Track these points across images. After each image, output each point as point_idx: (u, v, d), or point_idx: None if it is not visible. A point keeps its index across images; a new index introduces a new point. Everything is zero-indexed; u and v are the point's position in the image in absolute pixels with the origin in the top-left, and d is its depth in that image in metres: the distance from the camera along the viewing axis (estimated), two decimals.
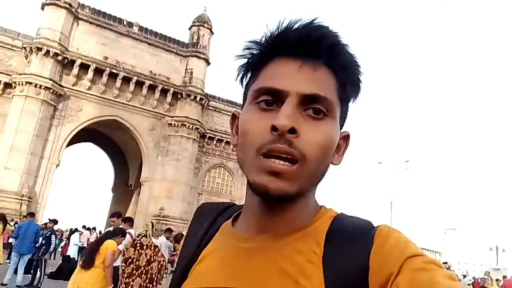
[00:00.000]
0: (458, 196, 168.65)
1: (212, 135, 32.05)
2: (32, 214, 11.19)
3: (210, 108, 32.24)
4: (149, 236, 4.89)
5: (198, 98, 29.34)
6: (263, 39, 0.64)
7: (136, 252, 4.59)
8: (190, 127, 29.01)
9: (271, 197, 0.56)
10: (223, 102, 33.39)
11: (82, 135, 27.89)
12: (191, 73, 29.77)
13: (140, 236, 4.84)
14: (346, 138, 0.68)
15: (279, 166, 0.55)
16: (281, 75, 0.60)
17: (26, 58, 25.57)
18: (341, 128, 0.65)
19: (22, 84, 24.38)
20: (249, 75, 0.67)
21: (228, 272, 0.61)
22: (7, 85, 25.13)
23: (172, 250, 11.51)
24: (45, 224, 11.85)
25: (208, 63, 31.08)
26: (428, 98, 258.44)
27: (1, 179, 22.98)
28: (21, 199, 23.32)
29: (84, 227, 21.38)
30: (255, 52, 0.65)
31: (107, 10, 27.86)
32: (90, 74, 25.98)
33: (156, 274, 4.48)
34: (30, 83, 24.16)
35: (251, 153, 0.58)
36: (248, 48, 0.66)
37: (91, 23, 26.99)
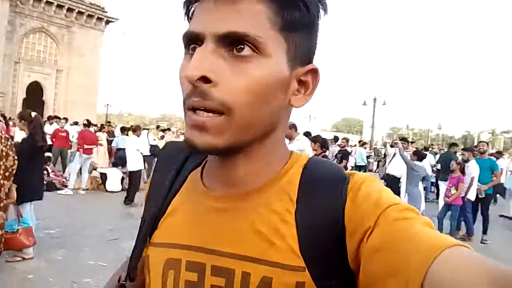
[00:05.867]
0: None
1: None
2: None
3: None
4: None
5: None
6: None
7: None
8: None
9: (199, 152, 0.53)
10: None
11: None
12: None
13: None
14: (313, 73, 0.57)
15: (200, 118, 0.50)
16: (199, 14, 0.53)
17: None
18: (303, 62, 0.56)
19: None
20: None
21: (201, 232, 0.58)
22: None
23: None
24: None
25: None
26: None
27: None
28: None
29: None
30: None
31: None
32: None
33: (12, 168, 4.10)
34: None
35: (183, 107, 0.53)
36: None
37: None
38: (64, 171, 10.72)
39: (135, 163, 8.47)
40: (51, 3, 28.92)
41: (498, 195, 11.11)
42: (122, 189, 9.72)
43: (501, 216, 10.34)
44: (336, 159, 9.10)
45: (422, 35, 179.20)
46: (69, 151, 11.89)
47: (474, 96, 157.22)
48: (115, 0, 49.25)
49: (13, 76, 27.26)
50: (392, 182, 7.50)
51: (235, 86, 0.50)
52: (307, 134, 7.53)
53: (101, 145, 11.14)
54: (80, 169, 9.44)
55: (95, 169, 10.30)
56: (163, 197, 0.65)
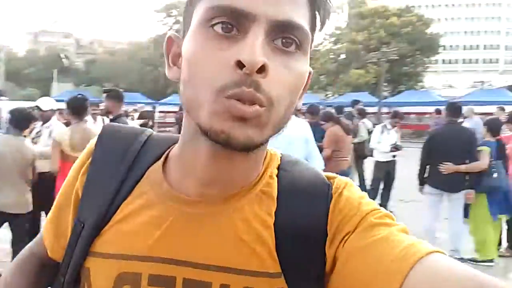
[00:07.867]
0: None
1: None
2: None
3: None
4: None
5: None
6: None
7: None
8: None
9: (233, 146, 0.46)
10: None
11: None
12: None
13: None
14: (309, 76, 0.55)
15: (248, 110, 0.44)
16: None
17: None
18: None
19: None
20: None
21: (169, 241, 0.51)
22: None
23: None
24: None
25: None
26: None
27: None
28: None
29: None
30: None
31: None
32: None
33: None
34: None
35: (209, 94, 0.45)
36: None
37: None
38: None
39: None
40: None
41: None
42: None
43: None
44: None
45: None
46: None
47: None
48: None
49: None
50: None
51: (283, 81, 0.47)
52: None
53: None
54: None
55: None
56: (110, 199, 0.55)
